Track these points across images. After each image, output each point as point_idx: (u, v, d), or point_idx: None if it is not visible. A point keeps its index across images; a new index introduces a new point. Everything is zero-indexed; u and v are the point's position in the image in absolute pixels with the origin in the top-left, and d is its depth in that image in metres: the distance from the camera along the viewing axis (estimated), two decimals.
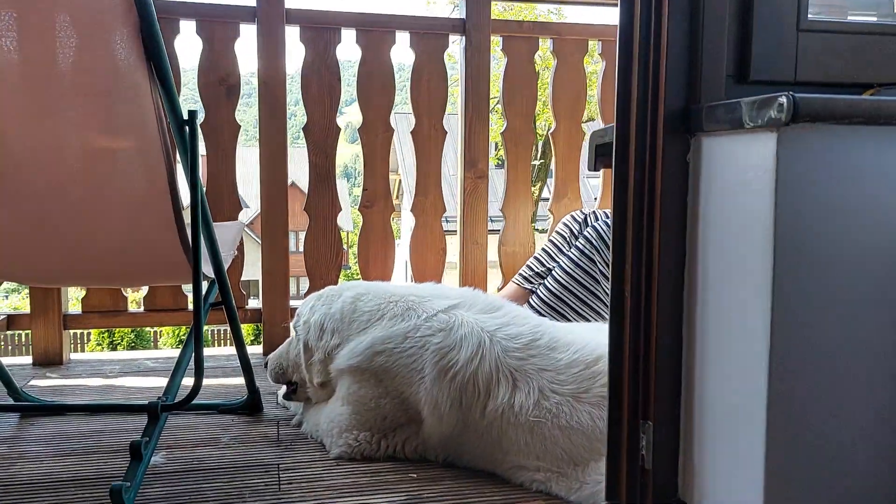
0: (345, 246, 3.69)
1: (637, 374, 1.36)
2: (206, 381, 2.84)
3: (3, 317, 3.06)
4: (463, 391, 1.95)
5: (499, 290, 3.43)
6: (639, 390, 1.36)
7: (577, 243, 2.94)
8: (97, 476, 1.97)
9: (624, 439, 1.38)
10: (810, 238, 1.12)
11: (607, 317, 2.88)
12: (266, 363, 2.45)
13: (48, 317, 3.04)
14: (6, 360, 3.14)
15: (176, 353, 3.33)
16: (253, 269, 3.74)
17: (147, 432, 1.72)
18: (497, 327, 2.03)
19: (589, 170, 1.61)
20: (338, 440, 2.11)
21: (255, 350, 3.33)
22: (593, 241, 2.88)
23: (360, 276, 3.35)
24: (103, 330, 11.62)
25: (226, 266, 2.22)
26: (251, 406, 2.46)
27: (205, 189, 3.15)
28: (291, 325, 2.44)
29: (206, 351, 3.36)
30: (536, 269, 3.08)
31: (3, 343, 13.24)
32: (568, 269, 2.90)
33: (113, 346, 11.80)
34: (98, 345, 12.33)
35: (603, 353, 1.86)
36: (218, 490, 1.88)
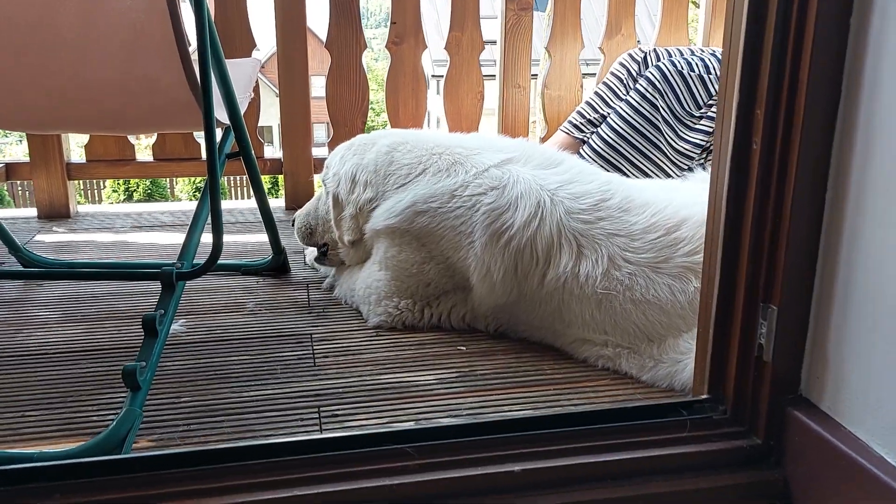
0: None
1: (760, 246, 1.09)
2: (225, 238, 2.62)
3: (0, 166, 2.80)
4: (519, 258, 1.70)
5: (542, 139, 3.11)
6: (762, 266, 1.09)
7: (637, 86, 2.58)
8: (111, 345, 1.78)
9: (736, 324, 1.13)
10: None
11: (671, 171, 2.60)
12: (293, 221, 2.21)
13: (50, 166, 2.78)
14: (14, 213, 2.93)
15: (192, 206, 3.09)
16: (266, 116, 3.44)
17: (162, 303, 1.50)
18: (558, 185, 1.74)
19: None
20: (376, 308, 1.89)
21: (276, 203, 3.08)
22: (656, 84, 2.53)
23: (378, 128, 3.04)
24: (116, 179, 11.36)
25: (242, 110, 1.91)
26: (277, 267, 2.24)
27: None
28: (320, 178, 2.17)
29: (224, 204, 3.12)
30: (588, 116, 2.74)
31: (20, 189, 13.13)
32: (626, 116, 2.57)
33: (129, 194, 11.63)
34: (114, 191, 12.16)
35: (687, 216, 1.60)
36: (246, 364, 1.68)
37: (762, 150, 1.06)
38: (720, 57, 2.59)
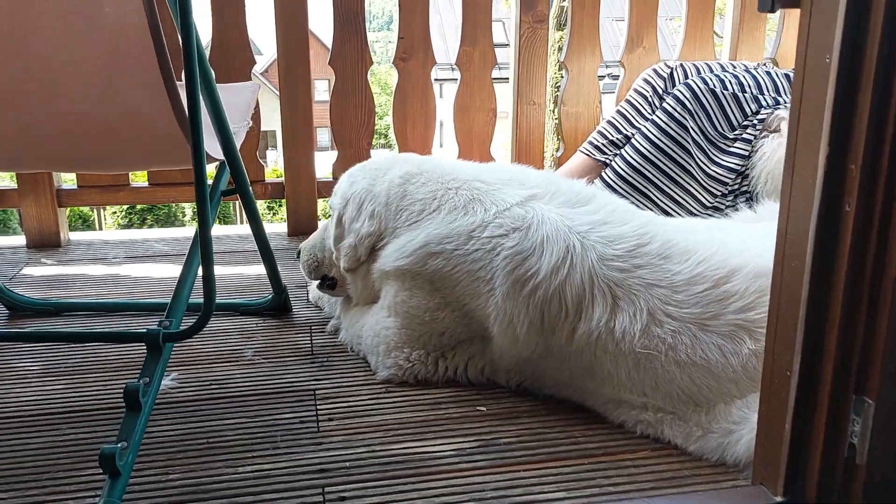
0: None
1: (853, 328, 0.91)
2: (221, 270, 2.45)
3: None
4: (545, 309, 1.52)
5: (558, 160, 2.93)
6: (854, 351, 0.91)
7: (665, 105, 2.40)
8: (95, 405, 1.60)
9: (821, 417, 0.95)
10: None
11: (703, 197, 2.42)
12: (298, 253, 2.03)
13: (39, 193, 2.61)
14: (1, 242, 2.76)
15: (189, 232, 2.92)
16: (270, 121, 3.26)
17: (147, 370, 1.32)
18: (589, 227, 1.56)
19: (760, 9, 1.07)
20: (385, 359, 1.71)
21: (277, 228, 2.92)
22: (686, 103, 2.34)
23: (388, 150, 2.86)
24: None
25: (239, 141, 1.74)
26: (278, 306, 2.07)
27: (210, 42, 2.62)
28: (328, 203, 2.00)
29: (221, 230, 2.96)
30: (611, 137, 2.56)
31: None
32: (652, 137, 2.39)
33: (132, 206, 11.34)
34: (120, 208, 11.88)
35: (738, 265, 1.42)
36: (243, 429, 1.50)
37: (857, 213, 0.88)
38: (756, 74, 2.42)
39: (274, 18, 2.61)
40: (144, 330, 1.35)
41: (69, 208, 2.78)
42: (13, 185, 2.65)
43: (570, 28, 2.90)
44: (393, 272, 1.71)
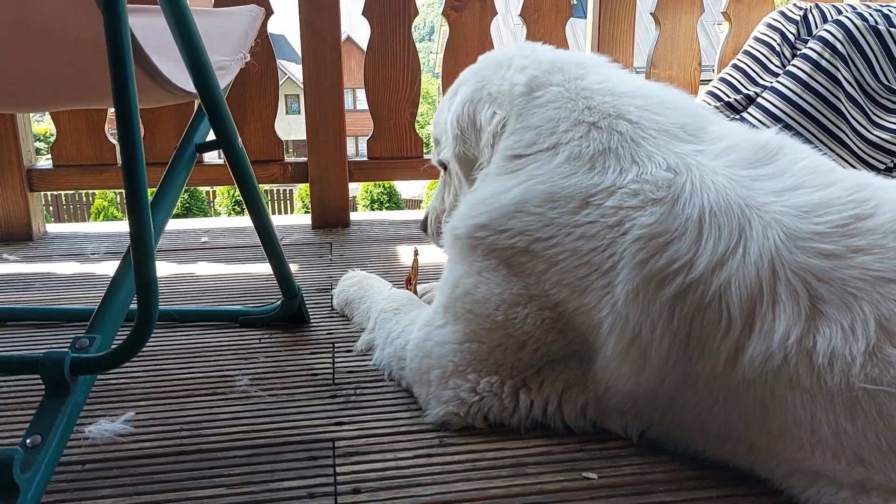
0: None
1: None
2: (222, 269, 1.93)
3: None
4: (696, 319, 0.95)
5: None
6: None
7: (806, 50, 1.80)
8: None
9: None
10: None
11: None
12: (422, 223, 1.55)
13: (5, 174, 2.12)
14: None
15: (183, 224, 2.41)
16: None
17: (40, 423, 0.78)
18: (775, 193, 0.98)
19: None
20: (440, 390, 1.15)
21: (300, 220, 2.39)
22: (837, 45, 1.74)
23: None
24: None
25: (229, 77, 1.21)
26: (290, 316, 1.53)
27: None
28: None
29: (223, 221, 2.44)
30: (727, 98, 1.97)
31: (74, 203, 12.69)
32: (788, 93, 1.79)
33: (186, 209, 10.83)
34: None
35: None
36: None
37: None
38: None
39: None
40: (41, 354, 0.81)
41: (43, 192, 2.26)
42: None
43: None
44: (464, 238, 1.15)
